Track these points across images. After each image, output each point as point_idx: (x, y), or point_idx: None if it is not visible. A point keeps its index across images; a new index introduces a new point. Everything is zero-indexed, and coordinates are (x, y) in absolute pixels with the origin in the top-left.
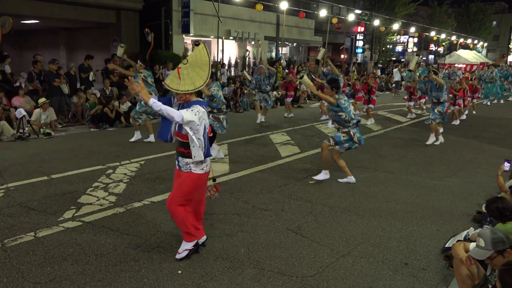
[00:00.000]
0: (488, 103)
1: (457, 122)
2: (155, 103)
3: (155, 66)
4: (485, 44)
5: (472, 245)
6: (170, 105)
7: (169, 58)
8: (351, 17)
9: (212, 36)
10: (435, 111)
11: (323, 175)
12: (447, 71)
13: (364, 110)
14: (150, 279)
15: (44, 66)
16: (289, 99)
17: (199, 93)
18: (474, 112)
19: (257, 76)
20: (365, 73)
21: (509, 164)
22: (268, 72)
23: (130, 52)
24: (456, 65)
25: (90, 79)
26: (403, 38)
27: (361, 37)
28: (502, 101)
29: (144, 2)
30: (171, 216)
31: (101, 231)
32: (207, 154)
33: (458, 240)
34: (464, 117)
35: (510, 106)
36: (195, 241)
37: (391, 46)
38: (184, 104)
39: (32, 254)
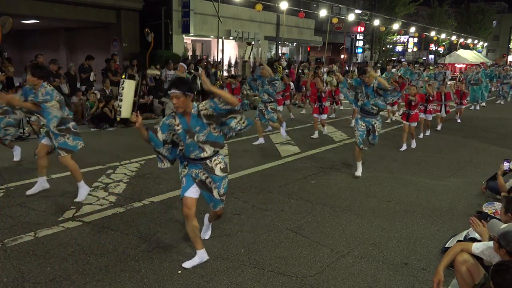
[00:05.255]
0: (477, 107)
1: (427, 132)
2: None
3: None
4: (485, 44)
5: (475, 244)
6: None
7: (169, 58)
8: (351, 17)
9: (212, 36)
10: (376, 133)
11: (203, 254)
12: (433, 71)
13: (320, 120)
14: (150, 279)
15: None
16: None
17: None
18: (458, 120)
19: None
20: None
21: (508, 164)
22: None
23: (130, 52)
24: (456, 65)
25: (91, 79)
26: (403, 38)
27: (361, 37)
28: (484, 104)
29: (144, 2)
30: None
31: (101, 231)
32: None
33: (458, 240)
34: (439, 127)
35: (510, 106)
36: None
37: (391, 46)
38: None
39: (32, 254)
